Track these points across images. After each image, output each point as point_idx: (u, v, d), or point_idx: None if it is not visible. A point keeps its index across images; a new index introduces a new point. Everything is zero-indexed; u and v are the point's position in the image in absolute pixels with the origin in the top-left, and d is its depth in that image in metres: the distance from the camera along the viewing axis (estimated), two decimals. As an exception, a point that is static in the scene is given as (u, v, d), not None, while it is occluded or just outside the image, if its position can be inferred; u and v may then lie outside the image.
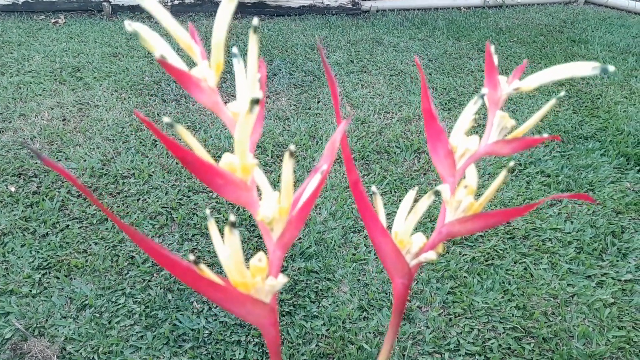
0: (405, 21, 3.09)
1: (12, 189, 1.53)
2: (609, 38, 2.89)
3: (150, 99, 2.08)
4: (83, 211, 1.46)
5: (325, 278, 1.29)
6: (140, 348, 1.11)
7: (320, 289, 1.26)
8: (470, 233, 0.47)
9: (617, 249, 1.40)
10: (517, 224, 1.49)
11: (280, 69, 2.38)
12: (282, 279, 0.43)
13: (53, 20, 2.86)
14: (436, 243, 0.50)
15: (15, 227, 1.40)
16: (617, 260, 1.37)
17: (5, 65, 2.30)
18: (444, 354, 1.12)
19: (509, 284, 1.29)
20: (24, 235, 1.38)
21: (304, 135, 1.86)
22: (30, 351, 1.09)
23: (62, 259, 1.31)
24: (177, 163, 1.68)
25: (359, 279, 1.29)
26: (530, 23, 3.14)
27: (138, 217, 1.45)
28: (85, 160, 1.67)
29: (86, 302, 1.20)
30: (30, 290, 1.22)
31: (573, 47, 2.76)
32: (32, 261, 1.30)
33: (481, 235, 1.45)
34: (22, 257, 1.31)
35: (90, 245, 1.36)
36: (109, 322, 1.16)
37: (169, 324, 1.16)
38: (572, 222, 1.49)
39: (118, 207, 1.49)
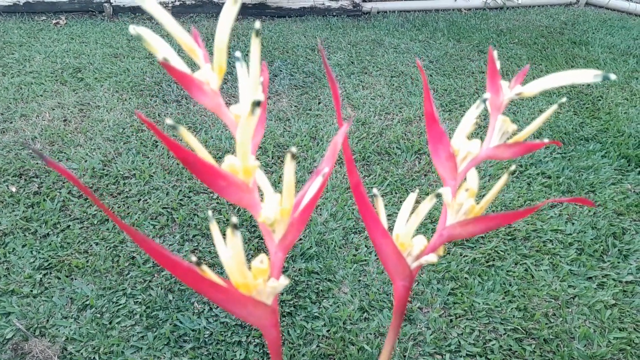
0: (406, 23, 3.09)
1: (13, 189, 1.54)
2: (610, 40, 2.89)
3: (151, 99, 2.08)
4: (84, 212, 1.47)
5: (326, 279, 1.29)
6: (141, 348, 1.11)
7: (321, 290, 1.26)
8: (471, 236, 0.47)
9: (618, 250, 1.40)
10: (518, 225, 1.49)
11: (281, 70, 2.38)
12: (283, 281, 0.43)
13: (54, 21, 2.86)
14: (437, 246, 0.50)
15: (16, 227, 1.40)
16: (618, 262, 1.37)
17: (6, 65, 2.30)
18: (445, 355, 1.12)
19: (510, 285, 1.29)
20: (25, 235, 1.38)
21: (305, 136, 1.86)
22: (32, 351, 1.09)
23: (63, 259, 1.31)
24: (178, 164, 1.68)
25: (359, 280, 1.29)
26: (531, 25, 3.14)
27: (139, 217, 1.45)
28: (86, 161, 1.67)
29: (87, 303, 1.20)
30: (31, 291, 1.22)
31: (574, 48, 2.76)
32: (33, 261, 1.30)
33: (482, 237, 1.45)
34: (23, 257, 1.31)
35: (91, 245, 1.36)
36: (110, 323, 1.16)
37: (170, 324, 1.16)
38: (573, 224, 1.49)
39: (119, 207, 1.49)
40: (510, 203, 1.57)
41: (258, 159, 1.67)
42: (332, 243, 1.39)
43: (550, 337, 1.16)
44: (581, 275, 1.32)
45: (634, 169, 1.75)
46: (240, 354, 1.10)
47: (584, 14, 3.39)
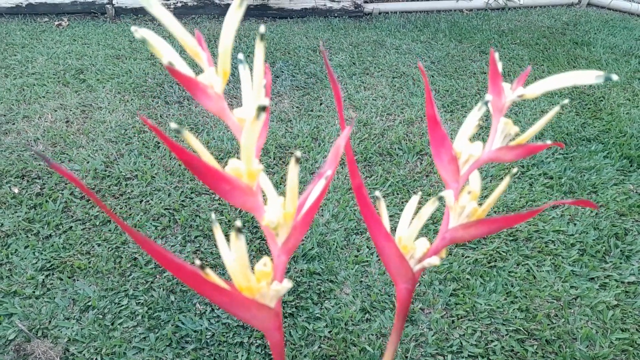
0: (407, 23, 3.09)
1: (16, 191, 1.54)
2: (612, 40, 2.89)
3: (153, 100, 2.08)
4: (86, 213, 1.47)
5: (327, 280, 1.29)
6: (143, 349, 1.11)
7: (323, 291, 1.26)
8: (474, 238, 0.48)
9: (620, 251, 1.40)
10: (519, 226, 1.49)
11: (282, 71, 2.38)
12: (286, 284, 0.43)
13: (56, 23, 2.87)
14: (440, 248, 0.50)
15: (18, 228, 1.40)
16: (620, 263, 1.37)
17: (9, 67, 2.31)
18: (447, 356, 1.12)
19: (512, 286, 1.29)
20: (27, 236, 1.38)
21: (307, 137, 1.87)
22: (34, 352, 1.09)
23: (65, 260, 1.31)
24: (179, 165, 1.69)
25: (361, 281, 1.29)
26: (533, 25, 3.14)
27: (141, 218, 1.45)
28: (88, 162, 1.68)
29: (89, 304, 1.20)
30: (34, 292, 1.22)
31: (576, 49, 2.76)
32: (36, 262, 1.30)
33: (484, 237, 1.45)
34: (25, 258, 1.31)
35: (93, 246, 1.36)
36: (112, 324, 1.16)
37: (172, 325, 1.16)
38: (575, 224, 1.49)
39: (121, 208, 1.50)
40: (512, 204, 1.57)
41: (260, 160, 1.68)
42: (333, 244, 1.40)
43: (553, 338, 1.16)
44: (583, 276, 1.32)
45: (636, 170, 1.75)
46: (242, 355, 1.10)
47: (585, 14, 3.39)
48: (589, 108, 2.15)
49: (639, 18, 3.37)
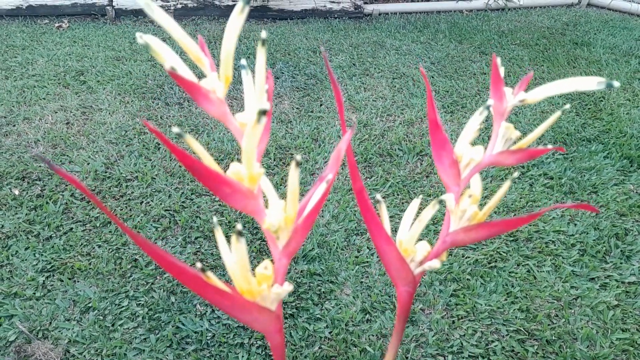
0: (407, 24, 3.09)
1: (16, 192, 1.54)
2: (612, 40, 2.89)
3: (153, 102, 2.08)
4: (86, 214, 1.47)
5: (328, 281, 1.30)
6: (144, 350, 1.11)
7: (323, 292, 1.26)
8: (475, 241, 0.48)
9: (621, 251, 1.40)
10: (520, 226, 1.50)
11: (282, 72, 2.39)
12: (287, 287, 0.43)
13: (57, 25, 2.87)
14: (440, 251, 0.50)
15: (19, 230, 1.41)
16: (621, 263, 1.37)
17: (9, 69, 2.31)
18: (447, 356, 1.12)
19: (512, 286, 1.29)
20: (27, 238, 1.38)
21: (307, 138, 1.87)
22: (34, 354, 1.09)
23: (65, 261, 1.31)
24: (180, 166, 1.69)
25: (361, 282, 1.30)
26: (533, 26, 3.14)
27: (141, 220, 1.46)
28: (88, 164, 1.68)
29: (90, 305, 1.21)
30: (34, 293, 1.23)
31: (575, 49, 2.76)
32: (36, 264, 1.30)
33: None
34: (26, 259, 1.31)
35: (93, 248, 1.36)
36: (113, 325, 1.16)
37: (172, 326, 1.16)
38: (575, 225, 1.49)
39: (121, 210, 1.50)
40: (512, 204, 1.57)
41: (260, 161, 1.68)
42: (334, 245, 1.40)
43: (553, 338, 1.16)
44: (584, 276, 1.32)
45: (636, 170, 1.75)
46: (243, 356, 1.10)
47: (585, 14, 3.39)
48: (589, 108, 2.15)
49: (639, 18, 3.37)
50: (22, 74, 2.26)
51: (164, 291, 1.24)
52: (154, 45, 0.36)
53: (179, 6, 3.09)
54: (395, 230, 0.54)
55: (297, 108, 2.09)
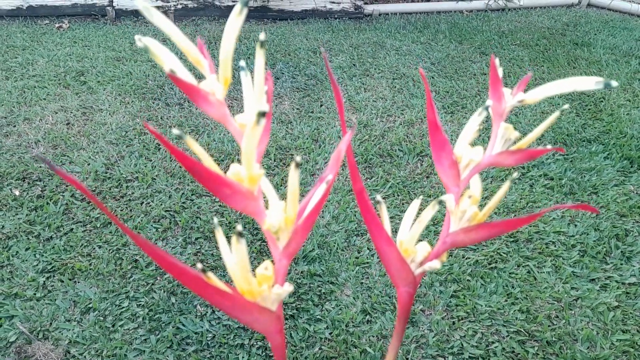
0: (407, 25, 3.09)
1: (17, 193, 1.54)
2: (612, 41, 2.89)
3: (153, 102, 2.09)
4: (87, 215, 1.47)
5: (328, 281, 1.30)
6: (144, 351, 1.11)
7: (324, 293, 1.26)
8: (475, 242, 0.48)
9: (621, 252, 1.40)
10: (520, 227, 1.50)
11: (283, 73, 2.39)
12: (288, 287, 0.43)
13: (57, 25, 2.87)
14: (441, 252, 0.50)
15: (19, 230, 1.41)
16: (621, 264, 1.37)
17: (9, 69, 2.31)
18: (448, 357, 1.12)
19: (513, 287, 1.29)
20: (28, 238, 1.38)
21: (307, 138, 1.87)
22: (35, 354, 1.09)
23: (66, 262, 1.31)
24: (180, 167, 1.69)
25: (362, 283, 1.30)
26: (533, 26, 3.14)
27: (141, 220, 1.46)
28: (89, 164, 1.68)
29: (90, 306, 1.21)
30: (35, 294, 1.23)
31: (576, 50, 2.76)
32: (37, 264, 1.30)
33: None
34: (26, 260, 1.31)
35: (94, 248, 1.36)
36: (113, 326, 1.16)
37: (173, 327, 1.16)
38: (575, 226, 1.49)
39: (122, 210, 1.50)
40: (512, 205, 1.57)
41: (260, 162, 1.68)
42: (334, 245, 1.40)
43: (553, 339, 1.16)
44: (584, 277, 1.32)
45: (636, 171, 1.75)
46: (243, 357, 1.10)
47: (585, 15, 3.39)
48: (589, 109, 2.15)
49: (639, 19, 3.37)
50: (23, 75, 2.26)
51: (164, 292, 1.25)
52: (153, 48, 0.37)
53: (179, 7, 3.09)
54: (395, 231, 0.54)
55: (297, 109, 2.09)
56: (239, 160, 1.77)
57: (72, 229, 1.43)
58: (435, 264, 0.49)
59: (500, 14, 3.36)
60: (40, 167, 1.65)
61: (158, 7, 3.10)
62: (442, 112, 2.11)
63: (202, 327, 1.16)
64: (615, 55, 2.69)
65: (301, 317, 1.20)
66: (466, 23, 3.15)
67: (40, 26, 2.85)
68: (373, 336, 1.16)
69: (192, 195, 1.57)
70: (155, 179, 1.63)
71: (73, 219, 1.46)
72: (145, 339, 1.14)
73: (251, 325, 0.45)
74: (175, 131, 0.34)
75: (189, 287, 0.42)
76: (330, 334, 1.16)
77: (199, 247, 1.39)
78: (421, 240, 0.53)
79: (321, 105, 2.12)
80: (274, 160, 1.75)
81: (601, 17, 3.34)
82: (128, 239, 1.40)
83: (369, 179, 1.69)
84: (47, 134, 1.83)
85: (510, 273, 1.33)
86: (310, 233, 1.44)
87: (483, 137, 1.87)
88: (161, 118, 1.98)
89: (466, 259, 1.37)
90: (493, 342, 1.15)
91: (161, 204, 1.52)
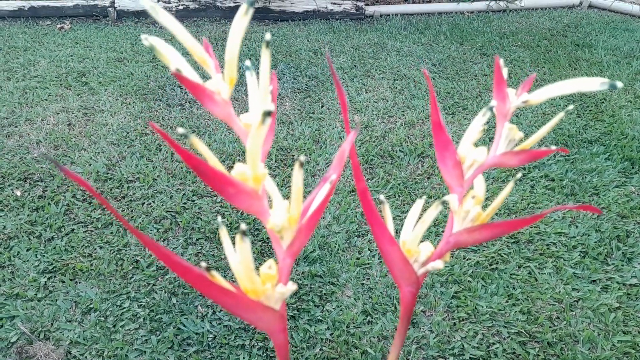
0: (408, 26, 3.10)
1: (18, 193, 1.54)
2: (613, 42, 2.89)
3: (155, 103, 2.09)
4: (88, 215, 1.47)
5: (329, 282, 1.30)
6: (145, 352, 1.11)
7: (324, 293, 1.26)
8: (478, 242, 0.48)
9: (622, 253, 1.40)
10: (521, 228, 1.50)
11: (284, 74, 2.39)
12: (291, 286, 0.43)
13: (59, 26, 2.88)
14: (444, 252, 0.50)
15: (20, 231, 1.41)
16: (622, 265, 1.37)
17: (11, 70, 2.31)
18: (449, 358, 1.12)
19: (514, 288, 1.29)
20: (29, 239, 1.39)
21: (308, 139, 1.87)
22: (36, 355, 1.09)
23: (67, 262, 1.32)
24: (181, 167, 1.69)
25: (362, 283, 1.30)
26: (534, 27, 3.15)
27: (143, 221, 1.46)
28: (90, 165, 1.68)
29: (91, 306, 1.21)
30: (36, 294, 1.23)
31: (577, 51, 2.76)
32: (38, 265, 1.30)
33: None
34: (27, 261, 1.32)
35: (95, 249, 1.36)
36: (114, 326, 1.16)
37: (174, 327, 1.16)
38: (576, 227, 1.49)
39: (123, 211, 1.50)
40: (513, 206, 1.57)
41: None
42: (335, 246, 1.40)
43: (554, 340, 1.16)
44: (585, 279, 1.32)
45: (637, 172, 1.75)
46: (244, 358, 1.10)
47: (587, 16, 3.39)
48: (590, 110, 2.15)
49: None
50: (24, 75, 2.26)
51: (165, 292, 1.25)
52: (160, 47, 0.37)
53: (181, 7, 3.10)
54: (396, 232, 0.54)
55: (298, 109, 2.09)
56: (240, 161, 1.77)
57: (73, 229, 1.43)
58: (438, 264, 0.49)
59: (501, 15, 3.36)
60: (42, 167, 1.65)
61: (159, 8, 3.10)
62: (444, 113, 2.11)
63: (203, 327, 1.16)
64: (616, 57, 2.70)
65: (302, 318, 1.20)
66: (467, 24, 3.15)
67: (42, 27, 2.85)
68: (374, 337, 1.16)
69: (193, 195, 1.57)
70: (156, 179, 1.63)
71: (74, 219, 1.46)
72: (146, 340, 1.14)
73: (255, 324, 0.45)
74: (181, 130, 0.34)
75: (193, 285, 0.42)
76: (331, 334, 1.16)
77: (200, 247, 1.39)
78: (422, 241, 0.53)
79: (322, 106, 2.12)
80: (275, 161, 1.75)
81: (602, 19, 3.34)
82: (129, 240, 1.40)
83: (370, 180, 1.69)
84: (49, 134, 1.84)
85: (511, 274, 1.33)
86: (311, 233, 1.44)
87: (483, 137, 1.87)
88: (162, 119, 1.99)
89: (467, 260, 1.37)
90: (494, 343, 1.15)
91: (162, 205, 1.52)
